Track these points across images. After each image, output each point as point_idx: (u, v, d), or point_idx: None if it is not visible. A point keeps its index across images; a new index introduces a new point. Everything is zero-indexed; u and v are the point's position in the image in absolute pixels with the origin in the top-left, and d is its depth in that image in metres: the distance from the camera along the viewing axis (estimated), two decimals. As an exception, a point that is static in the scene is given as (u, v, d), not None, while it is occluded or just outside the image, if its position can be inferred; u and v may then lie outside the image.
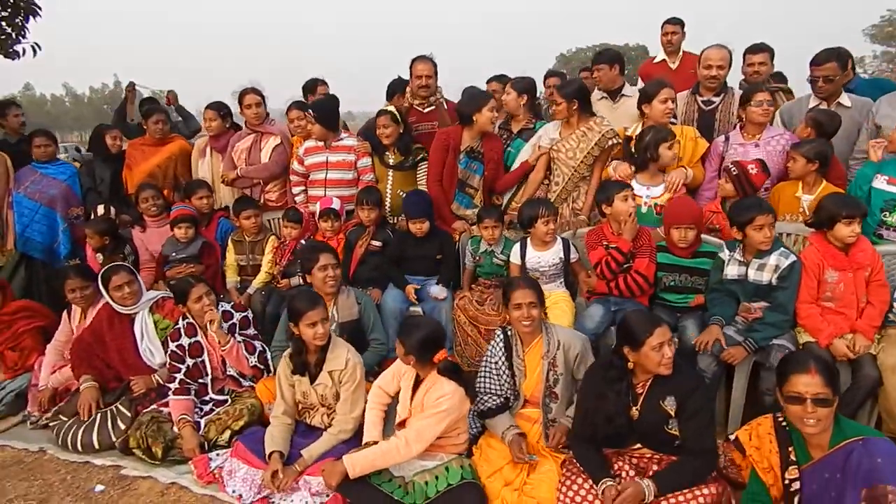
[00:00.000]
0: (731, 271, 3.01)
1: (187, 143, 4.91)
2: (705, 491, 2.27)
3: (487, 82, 4.93)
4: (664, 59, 4.78)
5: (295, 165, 4.34)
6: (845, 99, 3.65)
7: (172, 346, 3.29)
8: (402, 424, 2.67)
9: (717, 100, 4.03)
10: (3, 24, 8.96)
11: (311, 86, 5.30)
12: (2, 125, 5.08)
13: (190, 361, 3.30)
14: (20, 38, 9.09)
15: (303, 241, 4.09)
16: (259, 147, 4.42)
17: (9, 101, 5.40)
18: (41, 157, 4.70)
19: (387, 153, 4.17)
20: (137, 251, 4.33)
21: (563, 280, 3.54)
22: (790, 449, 2.14)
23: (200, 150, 4.77)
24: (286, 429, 2.88)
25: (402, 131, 4.17)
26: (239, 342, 3.35)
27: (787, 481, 2.13)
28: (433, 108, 4.48)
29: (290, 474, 2.67)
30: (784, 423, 2.18)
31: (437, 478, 2.53)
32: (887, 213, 3.11)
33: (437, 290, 3.72)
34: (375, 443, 2.66)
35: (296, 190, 4.41)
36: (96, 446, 3.20)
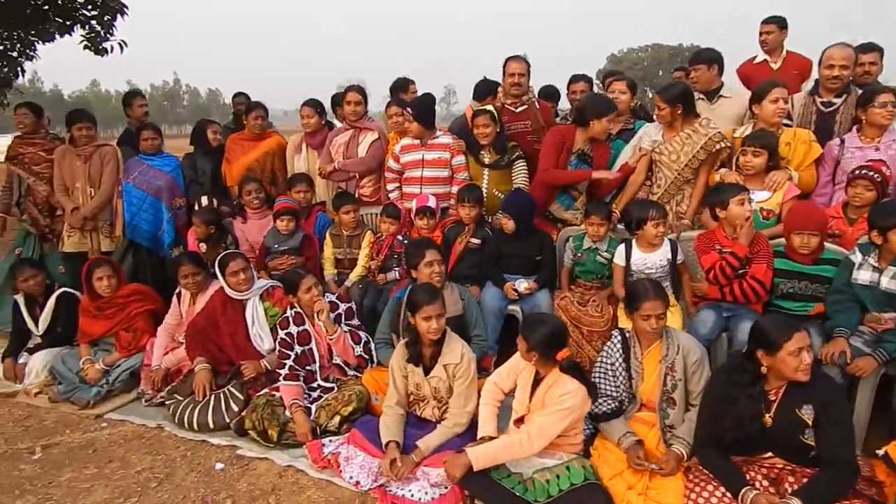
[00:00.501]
0: (863, 276, 2.90)
1: (283, 138, 5.06)
2: (855, 506, 2.19)
3: (572, 82, 4.91)
4: (765, 59, 4.64)
5: (390, 163, 4.42)
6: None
7: (282, 333, 3.40)
8: (520, 421, 2.68)
9: (838, 101, 3.86)
10: (94, 22, 9.49)
11: (403, 84, 5.38)
12: (127, 114, 5.37)
13: (298, 349, 3.41)
14: (109, 35, 9.61)
15: (399, 237, 4.15)
16: (357, 142, 4.53)
17: (134, 91, 5.70)
18: (148, 150, 4.92)
19: (482, 152, 4.19)
20: (238, 241, 4.50)
21: (669, 283, 3.48)
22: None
23: (296, 146, 4.90)
24: (400, 419, 2.94)
25: (498, 131, 4.19)
26: (345, 332, 3.43)
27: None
28: (525, 107, 4.48)
29: (408, 464, 2.72)
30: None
31: (558, 477, 2.53)
32: None
33: (523, 284, 3.70)
34: (492, 438, 2.68)
35: (390, 187, 4.49)
36: (211, 426, 3.34)
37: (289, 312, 3.48)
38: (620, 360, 2.79)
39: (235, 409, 3.39)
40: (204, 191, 4.95)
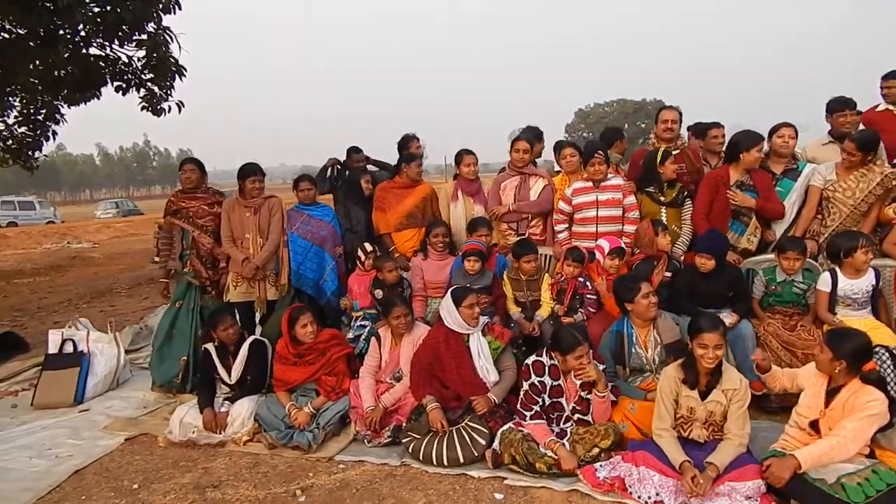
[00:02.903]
0: None
1: (431, 186, 5.32)
2: None
3: (708, 128, 5.31)
4: (888, 108, 5.09)
5: (561, 205, 4.69)
6: None
7: (535, 379, 3.50)
8: (814, 425, 2.88)
9: None
10: (152, 84, 9.77)
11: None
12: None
13: (547, 400, 3.52)
14: (168, 96, 9.89)
15: (580, 279, 4.34)
16: (528, 186, 4.83)
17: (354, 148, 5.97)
18: (304, 200, 5.11)
19: (661, 191, 4.50)
20: (411, 280, 4.69)
21: (871, 307, 3.75)
22: None
23: (451, 193, 5.14)
24: (677, 441, 3.09)
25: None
26: (614, 401, 3.52)
27: None
28: (679, 151, 4.84)
29: (708, 480, 2.86)
30: None
31: (867, 479, 2.71)
32: None
33: (728, 319, 3.92)
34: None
35: (559, 228, 4.74)
36: (461, 460, 3.42)
37: (546, 361, 3.54)
38: (892, 372, 3.01)
39: (483, 442, 3.49)
40: (359, 238, 5.13)
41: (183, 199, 4.95)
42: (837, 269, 3.78)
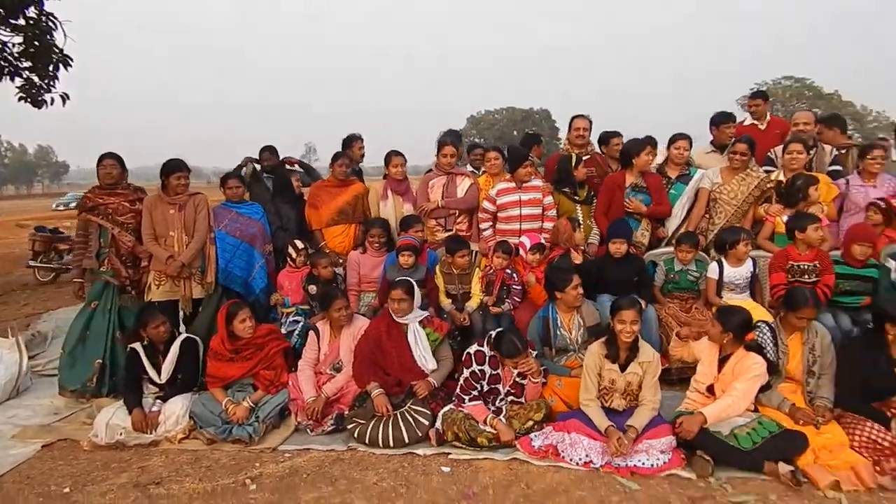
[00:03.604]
0: (900, 276, 4.02)
1: (364, 184, 5.48)
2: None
3: (610, 136, 5.91)
4: (753, 123, 5.94)
5: (486, 205, 5.02)
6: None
7: (476, 367, 3.75)
8: (710, 388, 3.41)
9: (811, 153, 5.19)
10: (32, 74, 9.14)
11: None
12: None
13: (486, 386, 3.79)
14: (51, 87, 9.28)
15: (508, 272, 4.69)
16: (455, 184, 5.12)
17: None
18: (233, 198, 5.08)
19: (576, 191, 4.97)
20: (346, 275, 4.84)
21: (749, 292, 4.41)
22: None
23: (380, 193, 5.33)
24: (601, 409, 3.49)
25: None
26: (544, 382, 3.86)
27: None
28: (589, 156, 5.37)
29: (629, 441, 3.27)
30: None
31: (754, 429, 3.25)
32: None
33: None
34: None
35: (484, 226, 5.07)
36: (406, 441, 3.63)
37: (486, 352, 3.76)
38: (770, 342, 3.60)
39: (426, 423, 3.71)
40: (290, 236, 5.18)
41: (101, 196, 4.74)
42: (723, 260, 4.40)
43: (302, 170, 6.18)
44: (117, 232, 4.71)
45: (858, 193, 4.69)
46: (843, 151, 5.41)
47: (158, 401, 4.03)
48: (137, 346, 4.15)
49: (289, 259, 4.98)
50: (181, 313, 4.80)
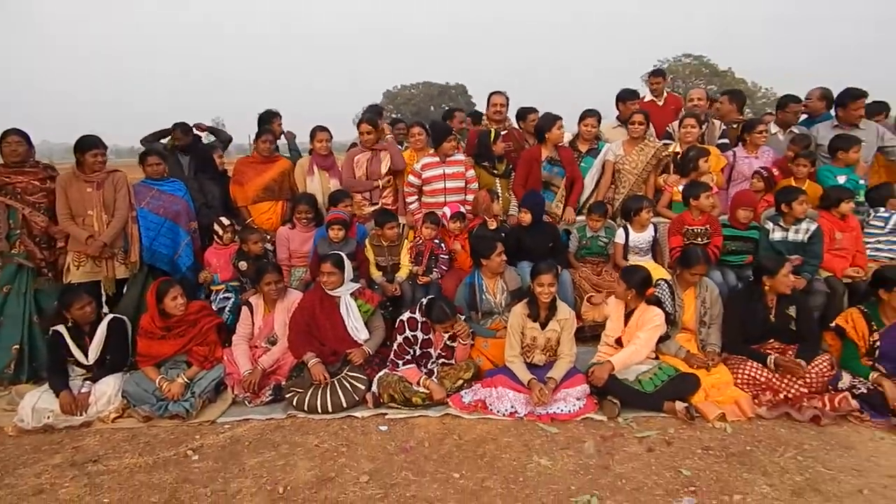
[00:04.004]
0: (777, 236, 4.59)
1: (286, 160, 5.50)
2: (825, 358, 3.70)
3: (527, 112, 6.22)
4: (652, 100, 6.44)
5: (411, 178, 5.21)
6: (795, 128, 5.56)
7: (409, 333, 3.99)
8: (618, 341, 3.82)
9: (705, 127, 5.75)
10: None
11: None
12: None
13: (418, 350, 4.04)
14: None
15: (436, 241, 4.92)
16: (378, 159, 5.27)
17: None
18: (153, 175, 4.96)
19: (494, 165, 5.25)
20: (276, 250, 4.91)
21: (651, 254, 4.88)
22: (872, 323, 3.68)
23: (306, 168, 5.38)
24: (524, 364, 3.83)
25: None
26: (472, 343, 4.13)
27: (872, 341, 3.66)
28: (507, 131, 5.65)
29: (550, 391, 3.63)
30: (865, 309, 3.73)
31: (655, 374, 3.69)
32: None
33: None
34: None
35: (410, 199, 5.27)
36: (344, 405, 3.82)
37: (419, 318, 4.00)
38: (668, 298, 4.06)
39: (362, 387, 3.91)
40: (215, 213, 5.15)
41: (8, 175, 4.52)
42: (629, 226, 4.84)
43: (213, 136, 6.08)
44: (28, 212, 4.54)
45: (744, 164, 5.26)
46: (736, 126, 6.00)
47: (88, 382, 3.98)
48: (61, 328, 4.06)
49: (215, 236, 4.95)
50: (104, 294, 4.70)
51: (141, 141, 5.56)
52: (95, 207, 4.55)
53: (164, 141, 5.64)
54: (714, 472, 3.01)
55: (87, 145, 4.56)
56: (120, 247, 4.64)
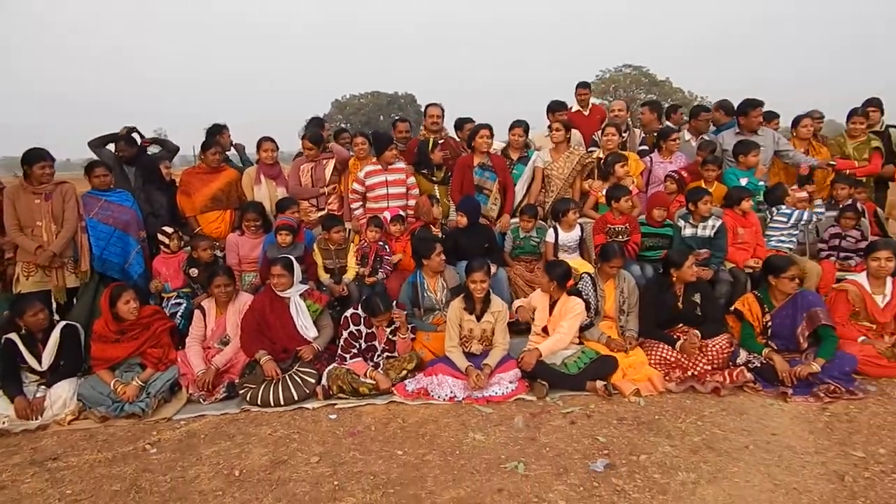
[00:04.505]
0: (687, 233, 5.11)
1: (236, 171, 5.72)
2: (724, 338, 4.21)
3: (464, 122, 6.63)
4: (579, 110, 6.95)
5: (355, 186, 5.52)
6: (706, 135, 6.15)
7: (353, 328, 4.30)
8: (545, 329, 4.23)
9: (626, 135, 6.30)
10: None
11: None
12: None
13: (363, 344, 4.34)
14: None
15: (380, 243, 5.24)
16: (322, 167, 5.57)
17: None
18: (100, 186, 5.09)
19: (433, 173, 5.62)
20: (225, 256, 5.12)
21: (579, 252, 5.34)
22: (764, 305, 4.22)
23: (254, 177, 5.61)
24: (462, 353, 4.19)
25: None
26: (413, 337, 4.47)
27: (765, 322, 4.20)
28: (443, 140, 6.04)
29: (486, 376, 4.00)
30: (759, 294, 4.26)
31: (580, 357, 4.12)
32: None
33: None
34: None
35: (354, 206, 5.57)
36: (295, 398, 4.08)
37: (361, 313, 4.32)
38: (591, 290, 4.50)
39: (312, 381, 4.18)
40: (161, 222, 5.31)
41: (-47, 188, 4.59)
42: (558, 226, 5.28)
43: (159, 147, 6.22)
44: (-25, 224, 4.60)
45: (660, 168, 5.80)
46: (655, 134, 6.55)
47: (42, 387, 4.11)
48: (14, 336, 4.17)
49: (162, 246, 5.11)
50: (54, 303, 4.80)
51: (88, 143, 5.62)
52: (44, 218, 4.66)
53: (110, 147, 5.71)
54: (626, 437, 3.43)
55: (34, 158, 4.67)
56: (69, 256, 4.76)
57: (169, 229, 5.14)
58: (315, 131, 5.99)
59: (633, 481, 2.99)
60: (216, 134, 6.02)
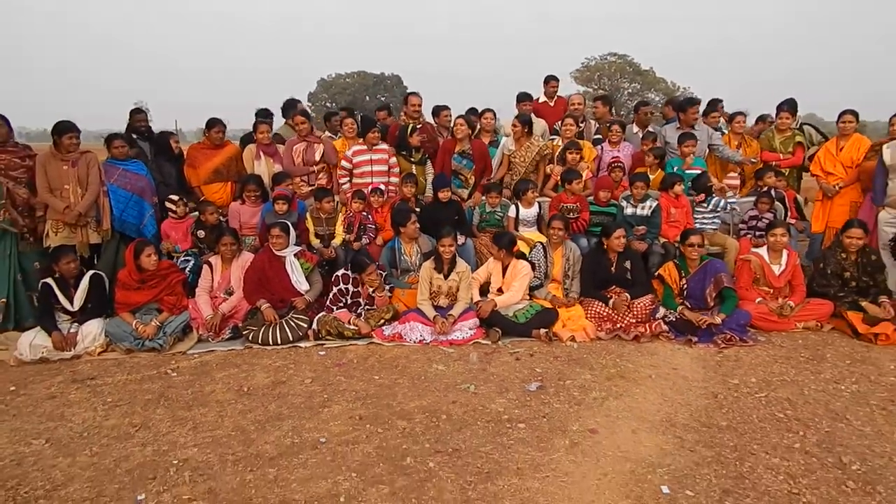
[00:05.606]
0: (629, 211, 5.98)
1: (237, 146, 6.45)
2: (648, 297, 5.10)
3: (441, 109, 7.40)
4: (546, 101, 7.76)
5: (343, 163, 6.29)
6: (651, 127, 7.01)
7: (342, 286, 5.11)
8: (500, 290, 5.08)
9: (583, 126, 7.14)
10: None
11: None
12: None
13: (349, 300, 5.15)
14: None
15: (364, 213, 6.03)
16: (312, 149, 6.30)
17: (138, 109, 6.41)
18: (118, 156, 5.81)
19: (411, 154, 6.41)
20: (228, 220, 5.87)
21: (537, 226, 6.19)
22: (681, 271, 5.11)
23: (253, 154, 6.35)
24: (431, 305, 5.02)
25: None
26: (390, 296, 5.29)
27: (682, 285, 5.09)
28: (421, 125, 6.82)
29: (450, 324, 4.84)
30: (677, 262, 5.15)
31: (527, 310, 4.98)
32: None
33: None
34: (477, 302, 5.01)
35: (342, 181, 6.34)
36: (291, 339, 4.88)
37: (350, 274, 5.15)
38: (542, 257, 5.35)
39: (305, 325, 4.99)
40: (171, 191, 6.04)
41: (-8, 153, 5.26)
42: (519, 203, 6.12)
43: None
44: (11, 185, 5.29)
45: (608, 155, 6.65)
46: (608, 125, 7.40)
47: (75, 324, 4.86)
48: (50, 280, 4.91)
49: (170, 212, 5.85)
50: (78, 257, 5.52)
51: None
52: (71, 182, 5.37)
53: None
54: (557, 369, 4.30)
55: (64, 129, 5.36)
56: (92, 216, 5.48)
57: (175, 197, 5.87)
58: (304, 108, 6.75)
59: (557, 397, 3.86)
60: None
